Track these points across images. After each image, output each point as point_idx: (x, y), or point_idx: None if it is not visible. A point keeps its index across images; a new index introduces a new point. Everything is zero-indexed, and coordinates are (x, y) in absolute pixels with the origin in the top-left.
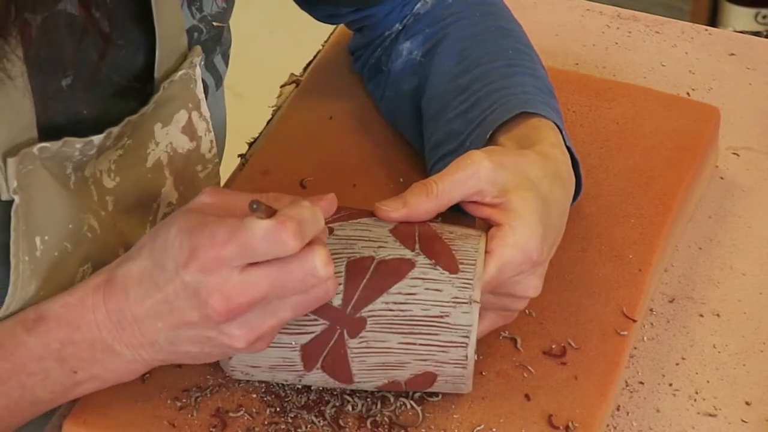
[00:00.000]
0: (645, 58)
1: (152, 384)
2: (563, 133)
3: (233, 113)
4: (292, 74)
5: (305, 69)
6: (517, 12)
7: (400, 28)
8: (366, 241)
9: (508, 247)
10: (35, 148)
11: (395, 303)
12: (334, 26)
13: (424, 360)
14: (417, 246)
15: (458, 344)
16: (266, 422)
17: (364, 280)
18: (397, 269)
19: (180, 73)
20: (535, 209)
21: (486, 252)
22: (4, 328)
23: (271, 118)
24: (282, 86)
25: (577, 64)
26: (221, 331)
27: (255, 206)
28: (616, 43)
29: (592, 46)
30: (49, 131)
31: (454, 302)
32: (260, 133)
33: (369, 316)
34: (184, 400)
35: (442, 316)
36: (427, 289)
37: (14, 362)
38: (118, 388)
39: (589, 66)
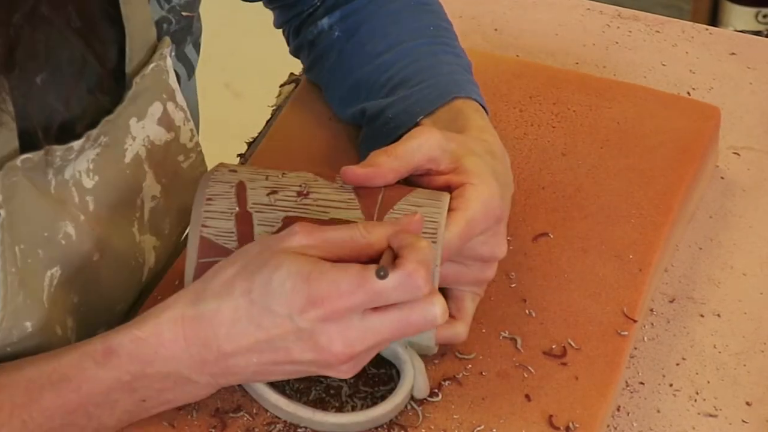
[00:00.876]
0: (645, 58)
1: None
2: (486, 111)
3: (233, 113)
4: (292, 74)
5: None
6: (517, 12)
7: (318, 3)
8: (328, 202)
9: (473, 202)
10: (18, 161)
11: None
12: None
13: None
14: (376, 209)
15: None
16: (265, 423)
17: None
18: None
19: (151, 66)
20: (489, 169)
21: (450, 210)
22: (68, 361)
23: (271, 118)
24: (282, 86)
25: (577, 63)
26: (332, 370)
27: (382, 273)
28: (617, 43)
29: (592, 45)
30: (27, 131)
31: None
32: (260, 133)
33: None
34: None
35: None
36: None
37: (81, 395)
38: None
39: (589, 66)
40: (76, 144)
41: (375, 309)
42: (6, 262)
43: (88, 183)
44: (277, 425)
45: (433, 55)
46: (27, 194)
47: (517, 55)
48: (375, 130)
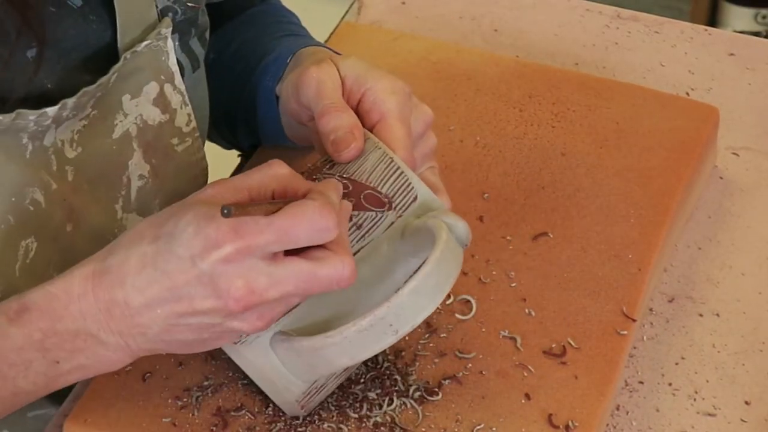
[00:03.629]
0: (644, 58)
1: (153, 383)
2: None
3: None
4: None
5: None
6: (517, 12)
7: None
8: None
9: (387, 102)
10: None
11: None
12: (335, 26)
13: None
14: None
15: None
16: (267, 421)
17: None
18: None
19: (144, 43)
20: (360, 65)
21: (377, 123)
22: None
23: None
24: None
25: (577, 64)
26: (234, 318)
27: (225, 211)
28: (616, 43)
29: (591, 46)
30: (10, 102)
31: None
32: None
33: None
34: (185, 399)
35: None
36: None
37: None
38: (119, 387)
39: (589, 66)
40: (51, 110)
41: (283, 257)
42: None
43: (70, 153)
44: (278, 423)
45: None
46: None
47: (517, 56)
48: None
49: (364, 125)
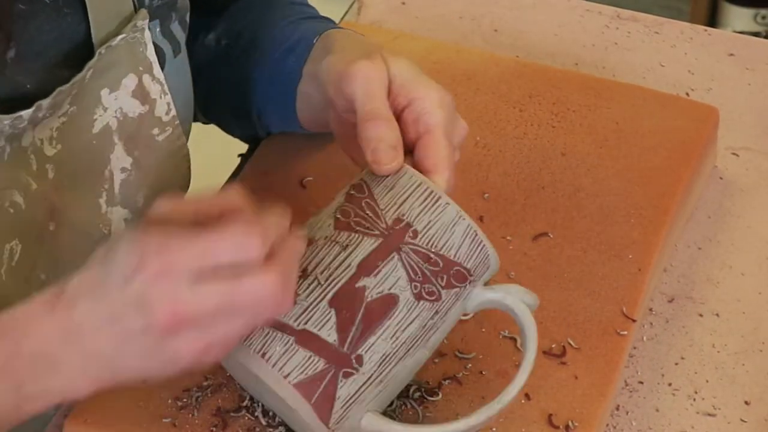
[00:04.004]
0: (644, 59)
1: (153, 383)
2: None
3: None
4: None
5: None
6: (517, 12)
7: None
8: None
9: (435, 113)
10: None
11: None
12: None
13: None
14: (438, 288)
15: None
16: (267, 422)
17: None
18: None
19: (120, 37)
20: (412, 70)
21: (424, 134)
22: None
23: None
24: None
25: (576, 64)
26: (166, 343)
27: None
28: (616, 44)
29: (591, 46)
30: None
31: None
32: None
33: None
34: (185, 400)
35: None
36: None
37: None
38: (120, 387)
39: (589, 66)
40: (26, 113)
41: (210, 275)
42: None
43: (50, 151)
44: (280, 428)
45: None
46: None
47: (517, 56)
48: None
49: (406, 134)
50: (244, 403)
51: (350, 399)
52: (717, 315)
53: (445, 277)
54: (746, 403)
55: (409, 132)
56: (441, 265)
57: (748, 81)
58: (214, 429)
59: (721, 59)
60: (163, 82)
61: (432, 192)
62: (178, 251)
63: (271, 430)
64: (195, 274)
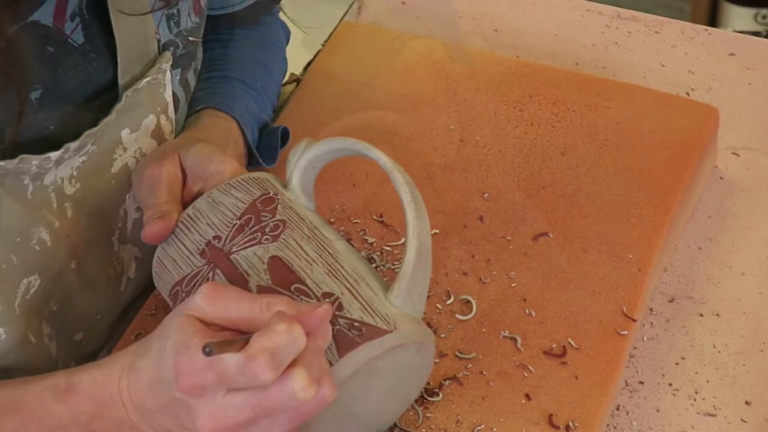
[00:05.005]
0: (645, 58)
1: None
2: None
3: None
4: (292, 74)
5: (305, 69)
6: (517, 12)
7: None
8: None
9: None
10: None
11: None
12: (335, 26)
13: None
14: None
15: None
16: None
17: None
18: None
19: (146, 79)
20: (205, 146)
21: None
22: (33, 392)
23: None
24: (282, 86)
25: (577, 64)
26: None
27: (208, 350)
28: (616, 43)
29: (591, 46)
30: (15, 146)
31: None
32: None
33: None
34: None
35: None
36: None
37: (41, 426)
38: None
39: (589, 66)
40: (54, 155)
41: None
42: None
43: (69, 189)
44: None
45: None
46: (0, 200)
47: (517, 56)
48: None
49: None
50: None
51: None
52: (717, 315)
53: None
54: (747, 403)
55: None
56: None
57: (748, 81)
58: None
59: (722, 59)
60: (174, 122)
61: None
62: (202, 372)
63: None
64: (229, 390)
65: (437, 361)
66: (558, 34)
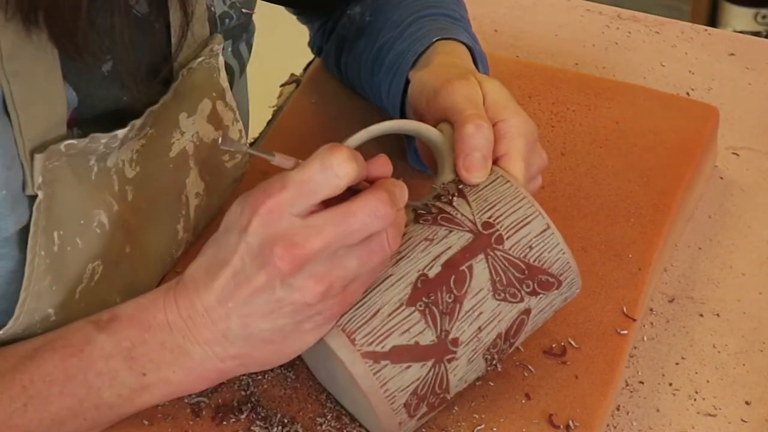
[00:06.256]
0: (645, 59)
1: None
2: (473, 51)
3: None
4: (292, 74)
5: (305, 69)
6: (517, 12)
7: None
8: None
9: (516, 140)
10: (62, 145)
11: (524, 337)
12: None
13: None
14: (523, 293)
15: (564, 268)
16: (266, 422)
17: (502, 350)
18: (521, 324)
19: (199, 60)
20: (502, 95)
21: (501, 157)
22: (74, 327)
23: (272, 119)
24: (282, 86)
25: (577, 64)
26: (290, 285)
27: (221, 141)
28: (616, 44)
29: (591, 46)
30: (89, 119)
31: (565, 301)
32: (260, 134)
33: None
34: (185, 400)
35: (556, 311)
36: (545, 313)
37: (82, 359)
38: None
39: (589, 66)
40: (120, 132)
41: (319, 210)
42: (36, 244)
43: (130, 173)
44: (275, 426)
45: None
46: (67, 180)
47: (517, 56)
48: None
49: None
50: (245, 404)
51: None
52: (717, 315)
53: (530, 283)
54: (747, 403)
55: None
56: (526, 273)
57: (748, 81)
58: (214, 429)
59: (722, 59)
60: (235, 109)
61: (524, 198)
62: (278, 192)
63: (269, 428)
64: (305, 210)
65: None
66: (558, 35)
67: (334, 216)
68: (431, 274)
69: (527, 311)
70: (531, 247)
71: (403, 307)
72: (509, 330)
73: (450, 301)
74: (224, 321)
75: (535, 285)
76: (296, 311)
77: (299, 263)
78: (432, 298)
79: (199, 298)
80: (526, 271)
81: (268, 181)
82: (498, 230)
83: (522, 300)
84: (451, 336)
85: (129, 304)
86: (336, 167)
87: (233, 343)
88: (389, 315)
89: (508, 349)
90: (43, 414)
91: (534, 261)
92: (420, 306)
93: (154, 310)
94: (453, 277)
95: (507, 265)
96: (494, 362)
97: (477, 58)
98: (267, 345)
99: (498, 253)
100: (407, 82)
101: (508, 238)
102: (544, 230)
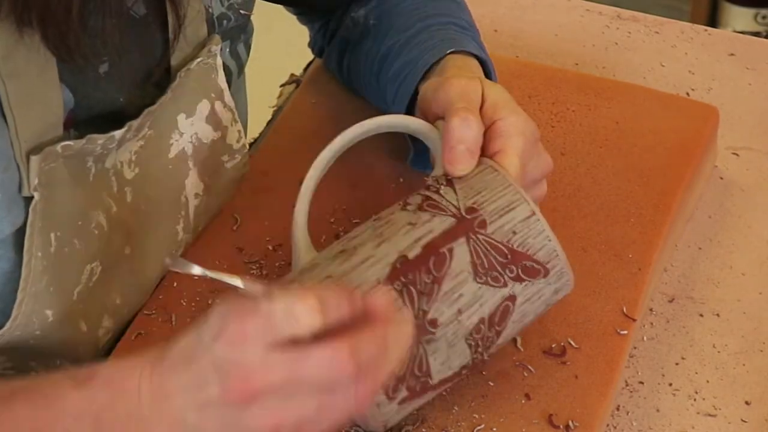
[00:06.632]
0: (645, 59)
1: None
2: (485, 63)
3: None
4: (292, 74)
5: (305, 69)
6: (517, 12)
7: None
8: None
9: (513, 138)
10: (58, 146)
11: (512, 329)
12: None
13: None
14: (506, 278)
15: (550, 256)
16: None
17: (486, 337)
18: (506, 310)
19: (197, 61)
20: (501, 95)
21: (497, 153)
22: (53, 381)
23: (272, 119)
24: (282, 86)
25: (577, 64)
26: (241, 413)
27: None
28: (616, 44)
29: (591, 46)
30: (87, 121)
31: (556, 294)
32: (261, 133)
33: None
34: None
35: (549, 305)
36: (533, 303)
37: (53, 413)
38: None
39: (589, 66)
40: (117, 133)
41: (288, 346)
42: (33, 245)
43: (129, 174)
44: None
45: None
46: (64, 181)
47: (517, 56)
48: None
49: (486, 149)
50: None
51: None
52: (717, 315)
53: (514, 268)
54: (747, 403)
55: (486, 150)
56: (509, 257)
57: (748, 81)
58: None
59: (722, 59)
60: (234, 109)
61: (510, 185)
62: (252, 317)
63: None
64: (269, 344)
65: None
66: (558, 35)
67: (289, 357)
68: (411, 255)
69: (512, 297)
70: (515, 233)
71: (381, 285)
72: (493, 315)
73: (429, 281)
74: (181, 412)
75: (519, 270)
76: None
77: (249, 397)
78: (410, 278)
79: (168, 380)
80: (509, 256)
81: (246, 301)
82: (481, 215)
83: (505, 285)
84: (429, 316)
85: (110, 363)
86: (298, 316)
87: None
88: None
89: (495, 338)
90: None
91: (518, 246)
92: (397, 285)
93: (130, 375)
94: (433, 258)
95: (489, 248)
96: (480, 350)
97: (490, 71)
98: None
99: (480, 236)
100: (416, 92)
101: (491, 223)
102: (529, 216)
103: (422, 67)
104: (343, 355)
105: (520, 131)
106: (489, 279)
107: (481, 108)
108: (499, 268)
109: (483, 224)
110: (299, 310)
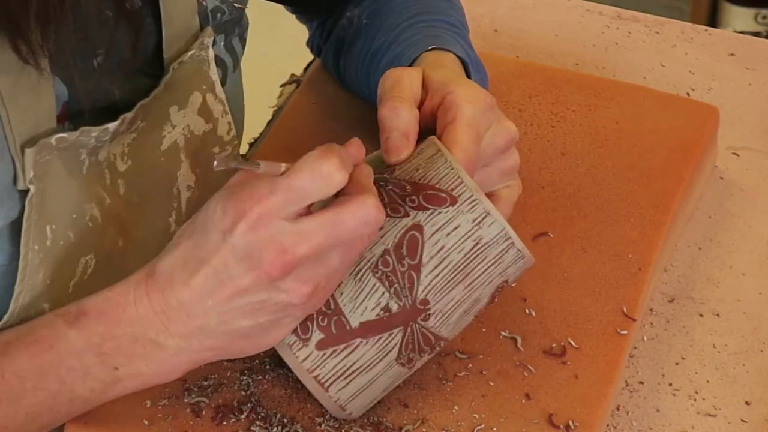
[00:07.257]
0: (645, 59)
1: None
2: (466, 64)
3: None
4: (293, 74)
5: (305, 69)
6: (517, 12)
7: None
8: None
9: (462, 107)
10: (53, 139)
11: (435, 267)
12: None
13: (491, 282)
14: (407, 207)
15: (505, 249)
16: (266, 421)
17: (399, 272)
18: (413, 240)
19: (190, 53)
20: (451, 72)
21: (449, 124)
22: (43, 323)
23: (272, 119)
24: (282, 86)
25: (577, 64)
26: (277, 288)
27: (257, 162)
28: (616, 44)
29: (591, 46)
30: (81, 113)
31: (476, 225)
32: (261, 133)
33: (427, 293)
34: (185, 400)
35: (478, 243)
36: (448, 234)
37: (54, 354)
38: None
39: (589, 66)
40: (112, 126)
41: (308, 214)
42: (30, 239)
43: (122, 166)
44: (276, 427)
45: (434, 28)
46: (59, 174)
47: (517, 56)
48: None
49: (438, 127)
50: (245, 404)
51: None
52: (717, 315)
53: (415, 198)
54: (747, 403)
55: (439, 124)
56: (409, 189)
57: (748, 81)
58: (214, 428)
59: (722, 59)
60: (224, 101)
61: (432, 143)
62: (268, 197)
63: (269, 428)
64: (293, 215)
65: (437, 361)
66: (558, 35)
67: (324, 222)
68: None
69: (417, 227)
70: (417, 169)
71: None
72: (398, 246)
73: None
74: (201, 317)
75: (421, 199)
76: (280, 310)
77: (288, 269)
78: None
79: (174, 293)
80: (409, 188)
81: (254, 185)
82: (394, 169)
83: (407, 215)
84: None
85: (97, 297)
86: (326, 176)
87: (209, 336)
88: None
89: (414, 274)
90: (17, 409)
91: (420, 180)
92: None
93: (123, 304)
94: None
95: (392, 188)
96: (398, 287)
97: (471, 68)
98: (244, 339)
99: (385, 182)
100: None
101: (398, 169)
102: (434, 154)
103: (405, 62)
104: (377, 209)
105: (469, 100)
106: (389, 210)
107: (429, 91)
108: (398, 201)
109: (391, 171)
110: (328, 170)
